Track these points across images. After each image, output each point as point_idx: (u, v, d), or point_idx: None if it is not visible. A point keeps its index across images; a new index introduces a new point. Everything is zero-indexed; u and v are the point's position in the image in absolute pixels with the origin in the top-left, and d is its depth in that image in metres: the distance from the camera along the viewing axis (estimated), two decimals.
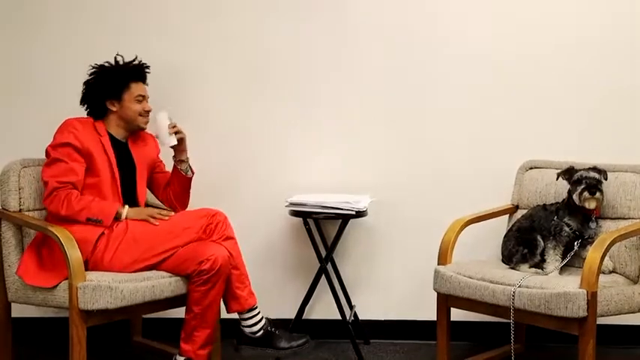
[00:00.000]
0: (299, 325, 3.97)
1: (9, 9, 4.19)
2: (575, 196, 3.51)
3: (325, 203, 3.83)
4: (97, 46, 3.86)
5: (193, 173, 3.79)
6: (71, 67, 3.76)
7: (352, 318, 4.05)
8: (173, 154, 3.75)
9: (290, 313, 4.02)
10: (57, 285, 3.34)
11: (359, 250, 4.19)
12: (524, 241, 3.58)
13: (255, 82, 4.19)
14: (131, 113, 3.65)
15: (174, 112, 3.93)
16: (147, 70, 3.75)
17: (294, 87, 4.18)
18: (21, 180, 3.57)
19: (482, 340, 4.08)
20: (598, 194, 3.49)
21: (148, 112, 3.70)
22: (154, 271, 3.43)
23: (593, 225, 3.53)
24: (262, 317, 3.56)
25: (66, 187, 3.47)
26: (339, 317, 3.93)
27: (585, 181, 3.50)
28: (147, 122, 3.72)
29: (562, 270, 3.47)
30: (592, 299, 3.14)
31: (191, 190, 3.81)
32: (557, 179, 3.64)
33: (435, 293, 3.59)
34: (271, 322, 3.59)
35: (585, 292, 3.14)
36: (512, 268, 3.56)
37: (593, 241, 3.34)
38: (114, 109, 3.64)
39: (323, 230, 4.10)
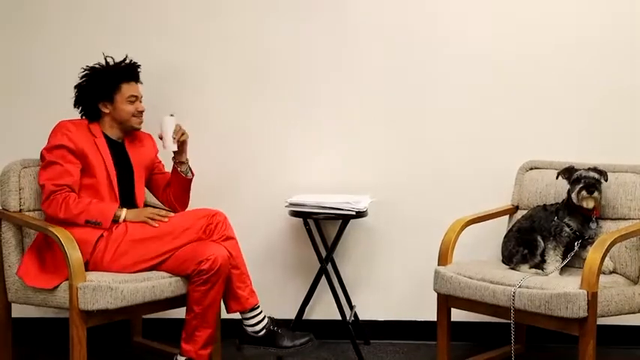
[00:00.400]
0: (299, 326, 3.96)
1: (9, 9, 4.19)
2: (573, 195, 3.52)
3: (325, 203, 3.83)
4: (97, 46, 3.85)
5: (193, 175, 3.78)
6: (71, 67, 3.75)
7: (352, 318, 4.05)
8: (173, 155, 3.75)
9: (290, 314, 4.02)
10: (57, 286, 3.34)
11: (359, 250, 4.19)
12: (524, 242, 3.57)
13: (255, 82, 4.19)
14: (124, 114, 3.64)
15: (174, 112, 3.94)
16: (139, 69, 3.73)
17: (294, 87, 4.18)
18: (21, 180, 3.57)
19: (483, 340, 4.08)
20: (596, 193, 3.49)
21: (141, 112, 3.68)
22: (154, 272, 3.43)
23: (593, 225, 3.53)
24: (265, 316, 3.56)
25: (63, 190, 3.46)
26: (339, 317, 3.93)
27: (584, 180, 3.50)
28: (141, 122, 3.70)
29: (562, 270, 3.47)
30: (592, 300, 3.14)
31: (191, 191, 3.81)
32: (556, 178, 3.64)
33: (435, 294, 3.59)
34: (274, 321, 3.59)
35: (586, 292, 3.14)
36: (513, 269, 3.55)
37: (594, 242, 3.34)
38: (107, 110, 3.64)
39: (323, 230, 4.10)
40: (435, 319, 3.62)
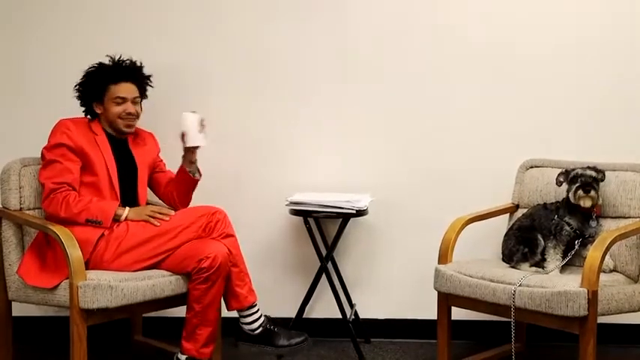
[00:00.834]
0: (299, 324, 3.96)
1: (9, 9, 4.19)
2: (570, 194, 3.52)
3: (326, 202, 3.84)
4: (96, 46, 3.86)
5: (201, 176, 3.78)
6: (71, 67, 3.75)
7: (353, 317, 4.06)
8: (183, 154, 3.73)
9: (290, 312, 4.02)
10: (57, 285, 3.34)
11: (359, 249, 4.19)
12: (524, 240, 3.58)
13: (255, 81, 4.19)
14: (110, 116, 3.63)
15: (173, 112, 3.94)
16: (136, 69, 3.71)
17: (295, 86, 4.18)
18: (21, 179, 3.57)
19: (483, 339, 4.08)
20: (592, 192, 3.48)
21: (130, 114, 3.64)
22: (154, 270, 3.43)
23: (593, 224, 3.53)
24: (261, 315, 3.56)
25: (63, 189, 3.47)
26: (339, 316, 3.93)
27: (580, 179, 3.50)
28: (129, 126, 3.66)
29: (563, 269, 3.47)
30: (593, 298, 3.14)
31: None
32: (558, 185, 3.62)
33: (436, 292, 3.59)
34: (271, 319, 3.59)
35: (586, 291, 3.14)
36: (513, 267, 3.56)
37: (594, 240, 3.34)
38: (99, 111, 3.65)
39: (323, 229, 4.10)
40: (436, 318, 3.61)
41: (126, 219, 3.50)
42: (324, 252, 3.99)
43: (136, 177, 3.69)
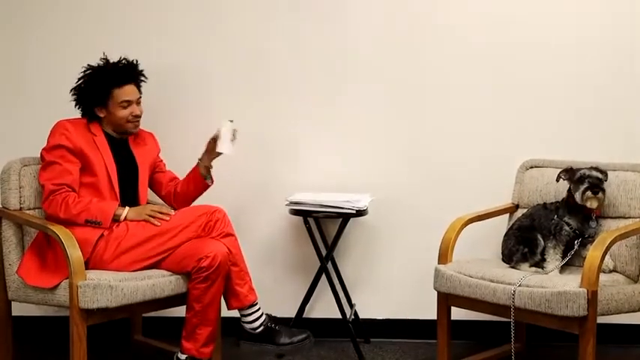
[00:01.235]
0: (299, 324, 3.96)
1: (9, 9, 4.19)
2: (577, 195, 3.50)
3: (325, 202, 3.84)
4: (96, 46, 3.85)
5: (213, 182, 3.78)
6: (71, 67, 3.75)
7: (352, 317, 4.06)
8: (202, 157, 3.74)
9: (290, 312, 4.02)
10: (57, 285, 3.34)
11: (359, 248, 4.19)
12: (524, 240, 3.58)
13: (255, 81, 4.19)
14: (117, 120, 3.62)
15: (173, 112, 3.96)
16: (136, 69, 3.70)
17: (295, 87, 4.18)
18: (21, 179, 3.57)
19: (483, 339, 4.09)
20: (600, 194, 3.48)
21: (136, 116, 3.64)
22: (154, 270, 3.44)
23: (593, 224, 3.53)
24: (262, 313, 3.56)
25: (62, 190, 3.47)
26: (339, 316, 3.93)
27: (588, 180, 3.49)
28: (136, 127, 3.67)
29: (562, 269, 3.47)
30: (592, 298, 3.14)
31: None
32: (557, 181, 3.62)
33: (436, 292, 3.59)
34: (272, 318, 3.59)
35: (586, 291, 3.14)
36: (513, 267, 3.56)
37: (594, 240, 3.34)
38: (102, 115, 3.63)
39: (323, 229, 4.10)
40: (435, 318, 3.62)
41: (125, 219, 3.50)
42: (324, 252, 3.99)
43: (137, 177, 3.69)
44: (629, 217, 3.59)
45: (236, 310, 3.54)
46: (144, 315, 4.08)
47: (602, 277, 3.27)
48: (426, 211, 4.10)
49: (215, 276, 3.37)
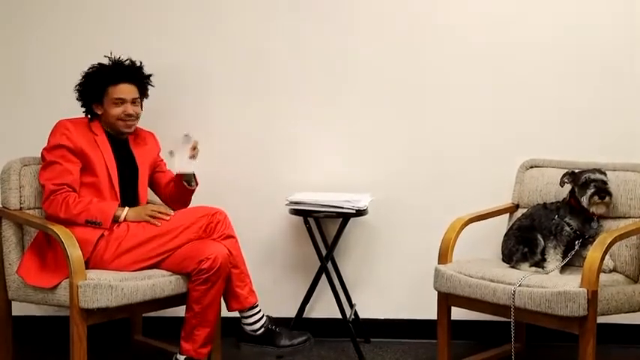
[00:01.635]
0: (299, 324, 3.96)
1: (9, 9, 4.19)
2: (584, 200, 3.48)
3: (326, 202, 3.84)
4: (96, 46, 3.85)
5: (197, 184, 3.77)
6: (71, 67, 3.75)
7: (353, 317, 4.06)
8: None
9: (290, 312, 4.02)
10: (57, 284, 3.34)
11: (359, 248, 4.19)
12: (524, 240, 3.57)
13: (255, 81, 4.19)
14: (110, 117, 3.62)
15: (173, 112, 3.95)
16: (136, 69, 3.69)
17: (295, 87, 4.18)
18: (21, 178, 3.57)
19: (483, 338, 4.09)
20: (607, 198, 3.47)
21: (129, 115, 3.62)
22: (154, 270, 3.43)
23: (594, 225, 3.53)
24: (263, 315, 3.56)
25: (63, 190, 3.47)
26: (339, 316, 3.93)
27: (594, 184, 3.47)
28: (129, 126, 3.65)
29: (562, 269, 3.47)
30: (592, 298, 3.14)
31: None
32: (562, 185, 3.61)
33: (436, 292, 3.59)
34: (272, 320, 3.59)
35: (586, 291, 3.14)
36: (513, 267, 3.56)
37: (594, 241, 3.34)
38: (99, 112, 3.64)
39: (323, 229, 4.10)
40: (435, 318, 3.62)
41: (125, 219, 3.50)
42: (324, 252, 3.99)
43: (137, 177, 3.68)
44: (629, 217, 3.58)
45: (236, 312, 3.54)
46: (144, 315, 4.08)
47: (602, 277, 3.27)
48: (426, 211, 4.10)
49: (215, 278, 3.37)
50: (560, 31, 4.07)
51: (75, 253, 3.27)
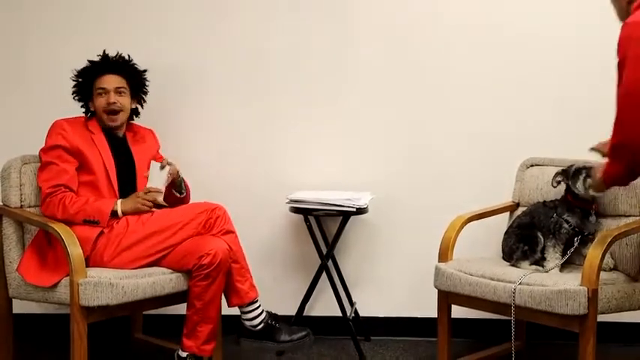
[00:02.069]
0: (299, 322, 3.96)
1: (9, 9, 4.19)
2: (579, 186, 3.49)
3: (326, 200, 3.84)
4: (96, 46, 3.85)
5: (188, 192, 3.76)
6: (71, 67, 3.75)
7: (353, 315, 4.06)
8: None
9: (291, 310, 4.02)
10: (57, 283, 3.34)
11: (360, 246, 4.20)
12: (524, 238, 3.57)
13: (255, 80, 4.20)
14: (97, 110, 3.64)
15: (173, 112, 3.95)
16: (120, 62, 3.70)
17: (295, 86, 4.19)
18: (22, 176, 3.58)
19: (483, 337, 4.09)
20: None
21: (111, 104, 3.61)
22: (154, 268, 3.43)
23: (592, 219, 3.53)
24: (263, 311, 3.55)
25: (59, 191, 3.47)
26: (339, 314, 3.93)
27: (585, 170, 3.48)
28: (114, 120, 3.63)
29: (563, 267, 3.47)
30: (593, 297, 3.14)
31: (192, 188, 3.82)
32: (554, 186, 3.61)
33: (436, 290, 3.59)
34: (273, 315, 3.59)
35: (586, 289, 3.14)
36: (513, 265, 3.55)
37: (594, 238, 3.35)
38: (92, 108, 3.66)
39: (324, 227, 4.10)
40: (436, 316, 3.61)
41: (122, 213, 3.49)
42: (324, 250, 3.99)
43: (135, 174, 3.68)
44: (630, 216, 3.59)
45: (236, 308, 3.54)
46: (144, 313, 4.08)
47: (603, 275, 3.26)
48: (427, 209, 4.11)
49: (216, 273, 3.37)
50: (560, 31, 4.07)
51: (75, 250, 3.27)
